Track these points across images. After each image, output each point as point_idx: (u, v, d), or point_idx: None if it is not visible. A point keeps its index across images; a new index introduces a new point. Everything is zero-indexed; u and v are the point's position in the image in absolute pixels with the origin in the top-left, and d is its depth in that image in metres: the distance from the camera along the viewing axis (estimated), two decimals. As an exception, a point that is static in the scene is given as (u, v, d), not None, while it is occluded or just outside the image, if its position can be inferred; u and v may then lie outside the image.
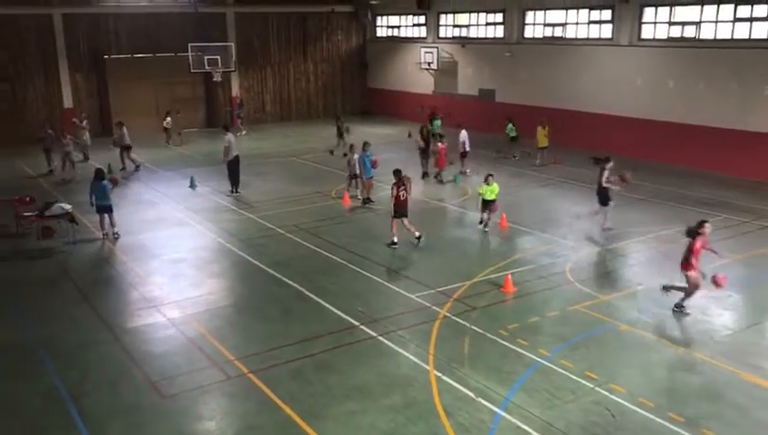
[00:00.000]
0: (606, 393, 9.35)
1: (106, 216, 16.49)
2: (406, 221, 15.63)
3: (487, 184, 16.35)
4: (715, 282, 11.53)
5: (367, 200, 19.28)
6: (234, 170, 20.90)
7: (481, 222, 16.83)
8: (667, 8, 24.18)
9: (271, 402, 9.36)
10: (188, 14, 32.16)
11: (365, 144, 19.62)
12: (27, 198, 17.88)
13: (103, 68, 31.38)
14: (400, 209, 15.54)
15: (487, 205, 16.55)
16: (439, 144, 21.94)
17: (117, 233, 16.67)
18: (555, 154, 24.61)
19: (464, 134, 22.73)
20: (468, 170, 22.79)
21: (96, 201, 16.29)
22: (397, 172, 15.93)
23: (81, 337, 11.48)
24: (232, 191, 20.95)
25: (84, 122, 27.11)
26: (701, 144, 23.11)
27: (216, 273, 14.53)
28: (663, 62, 24.26)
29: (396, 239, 15.61)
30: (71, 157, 23.75)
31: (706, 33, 23.14)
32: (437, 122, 26.59)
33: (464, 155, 22.83)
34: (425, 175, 22.51)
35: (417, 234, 15.59)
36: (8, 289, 13.72)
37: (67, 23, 30.38)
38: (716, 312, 12.01)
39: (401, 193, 15.49)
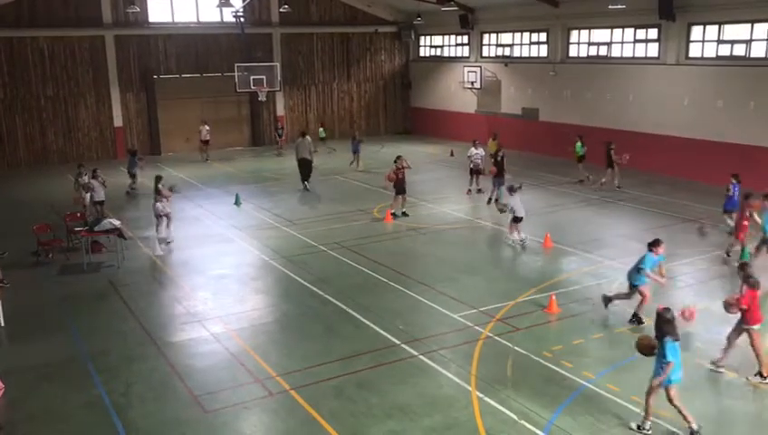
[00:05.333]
0: (652, 418, 9.10)
1: None
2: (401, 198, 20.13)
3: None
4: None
5: (636, 319, 12.34)
6: (301, 169, 24.21)
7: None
8: (716, 26, 23.74)
9: (313, 420, 9.35)
10: (235, 35, 32.76)
11: (655, 241, 12.21)
12: (78, 214, 18.37)
13: (152, 88, 32.16)
14: (397, 186, 20.06)
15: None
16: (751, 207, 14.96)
17: None
18: (601, 174, 24.25)
19: (475, 151, 22.66)
20: (480, 189, 22.68)
21: None
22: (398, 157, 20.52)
23: (126, 350, 11.69)
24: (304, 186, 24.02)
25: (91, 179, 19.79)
26: (752, 165, 22.51)
27: (260, 289, 14.67)
28: (711, 82, 23.80)
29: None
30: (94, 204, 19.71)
31: (757, 51, 22.66)
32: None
33: (474, 172, 22.79)
34: (491, 200, 21.39)
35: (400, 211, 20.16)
36: (59, 302, 14.05)
37: (119, 44, 31.27)
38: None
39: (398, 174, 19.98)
